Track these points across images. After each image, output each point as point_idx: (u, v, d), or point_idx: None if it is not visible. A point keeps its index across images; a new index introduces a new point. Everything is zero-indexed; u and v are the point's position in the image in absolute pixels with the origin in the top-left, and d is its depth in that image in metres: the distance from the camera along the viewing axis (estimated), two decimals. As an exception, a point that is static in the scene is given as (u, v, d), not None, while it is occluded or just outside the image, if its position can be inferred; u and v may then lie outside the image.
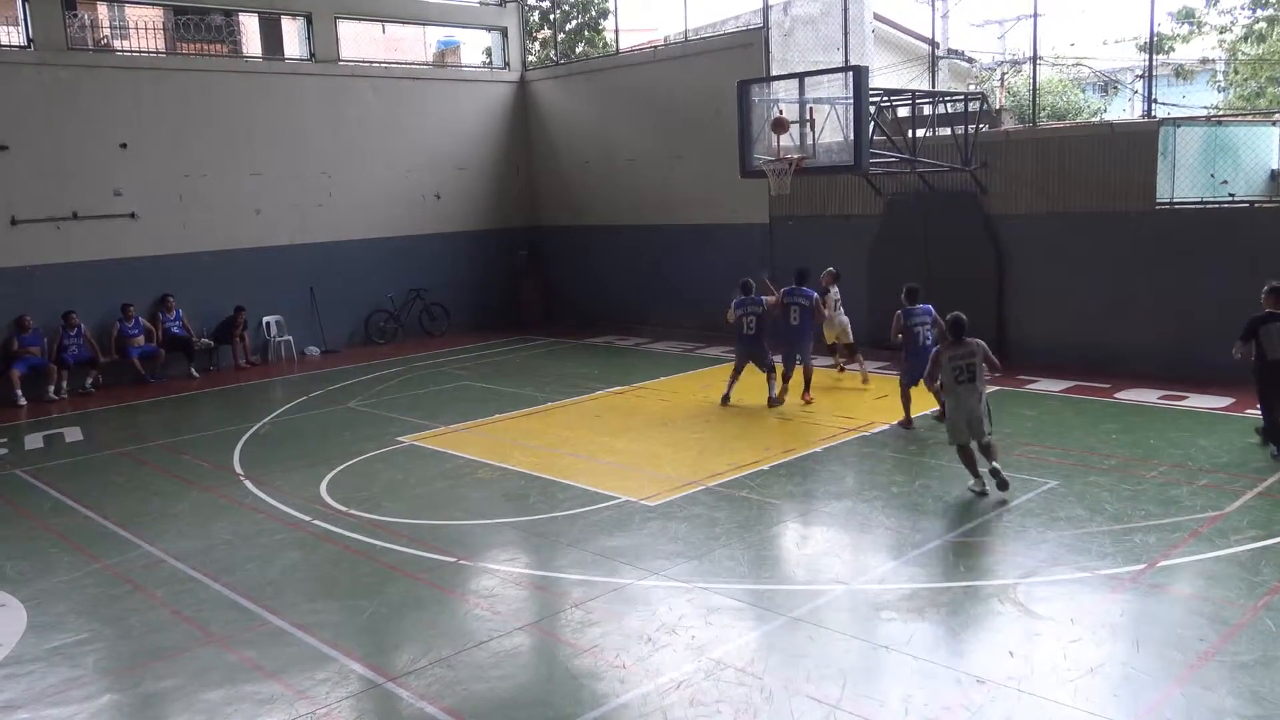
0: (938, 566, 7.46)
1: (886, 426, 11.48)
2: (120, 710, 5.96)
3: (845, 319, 14.32)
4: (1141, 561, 7.35)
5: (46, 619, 7.21)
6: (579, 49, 26.57)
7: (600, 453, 11.09)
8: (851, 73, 13.45)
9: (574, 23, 27.71)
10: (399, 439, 12.02)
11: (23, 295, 15.74)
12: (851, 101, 13.32)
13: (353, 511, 9.31)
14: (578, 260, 21.72)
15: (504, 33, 22.22)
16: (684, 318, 19.25)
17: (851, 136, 13.43)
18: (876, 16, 18.96)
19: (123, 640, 6.87)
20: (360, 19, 20.69)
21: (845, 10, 17.17)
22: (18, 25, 16.60)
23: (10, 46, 16.44)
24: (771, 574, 7.59)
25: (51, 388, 15.65)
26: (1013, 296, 15.09)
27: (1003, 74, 22.80)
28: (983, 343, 9.05)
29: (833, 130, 13.95)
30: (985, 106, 15.67)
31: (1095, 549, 7.62)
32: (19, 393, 15.27)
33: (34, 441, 12.99)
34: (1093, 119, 20.54)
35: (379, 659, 6.38)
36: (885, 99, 14.80)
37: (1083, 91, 25.72)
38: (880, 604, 6.85)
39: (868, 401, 12.80)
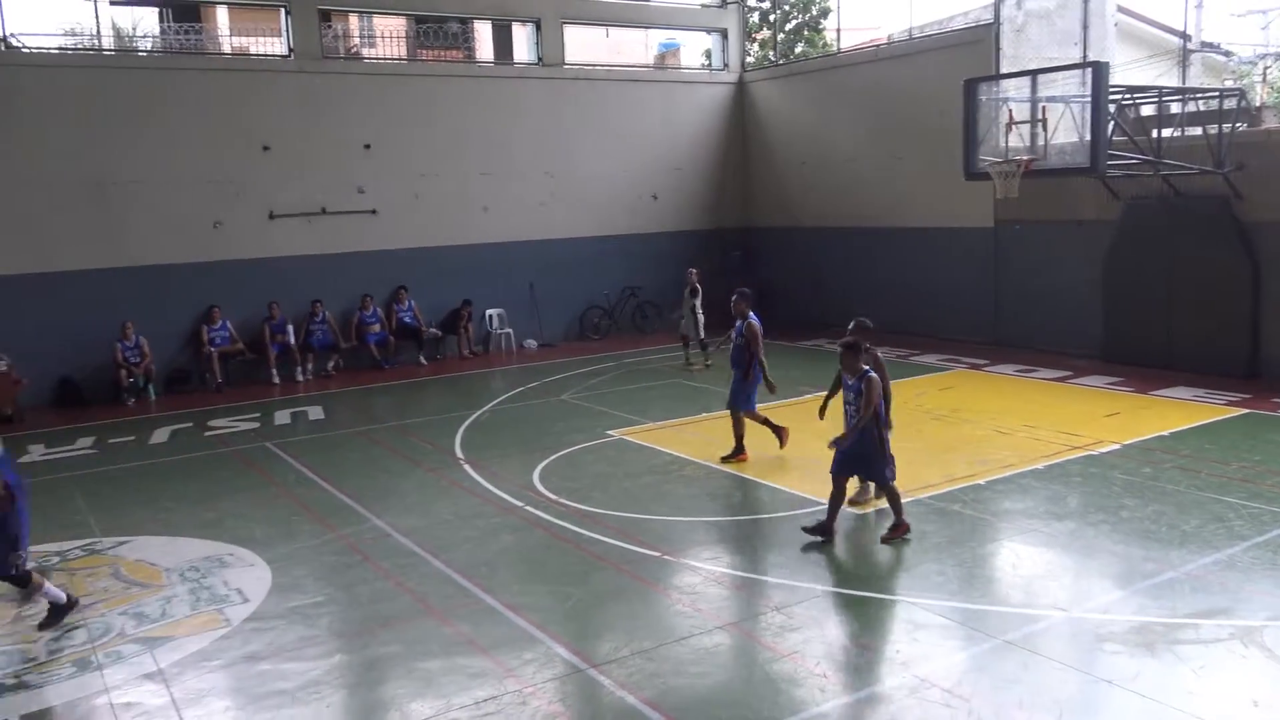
0: (1171, 599, 6.90)
1: (1116, 446, 10.73)
2: (349, 670, 6.41)
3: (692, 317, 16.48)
4: None
5: (287, 580, 7.86)
6: (798, 49, 26.36)
7: (807, 457, 10.94)
8: (1090, 69, 12.69)
9: (794, 22, 27.52)
10: (609, 433, 12.32)
11: (276, 284, 17.22)
12: (1089, 100, 12.57)
13: (562, 500, 9.62)
14: (791, 262, 21.54)
15: (724, 34, 22.32)
16: (900, 322, 18.71)
17: (1088, 137, 12.67)
18: (1120, 8, 17.78)
19: (353, 606, 7.39)
20: (586, 24, 21.33)
21: (1085, 2, 16.17)
22: (280, 37, 18.18)
23: (274, 56, 18.03)
24: (983, 594, 7.25)
25: (299, 369, 17.06)
26: (1270, 310, 13.75)
27: (1265, 68, 20.83)
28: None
29: (1066, 130, 13.21)
30: (1244, 104, 14.36)
31: (1360, 595, 6.84)
32: (274, 371, 16.77)
33: (282, 418, 14.19)
34: (1373, 116, 18.43)
35: (583, 645, 6.55)
36: (1128, 96, 13.84)
37: (1362, 86, 23.10)
38: (1104, 635, 6.42)
39: (1097, 419, 12.01)
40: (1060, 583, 7.52)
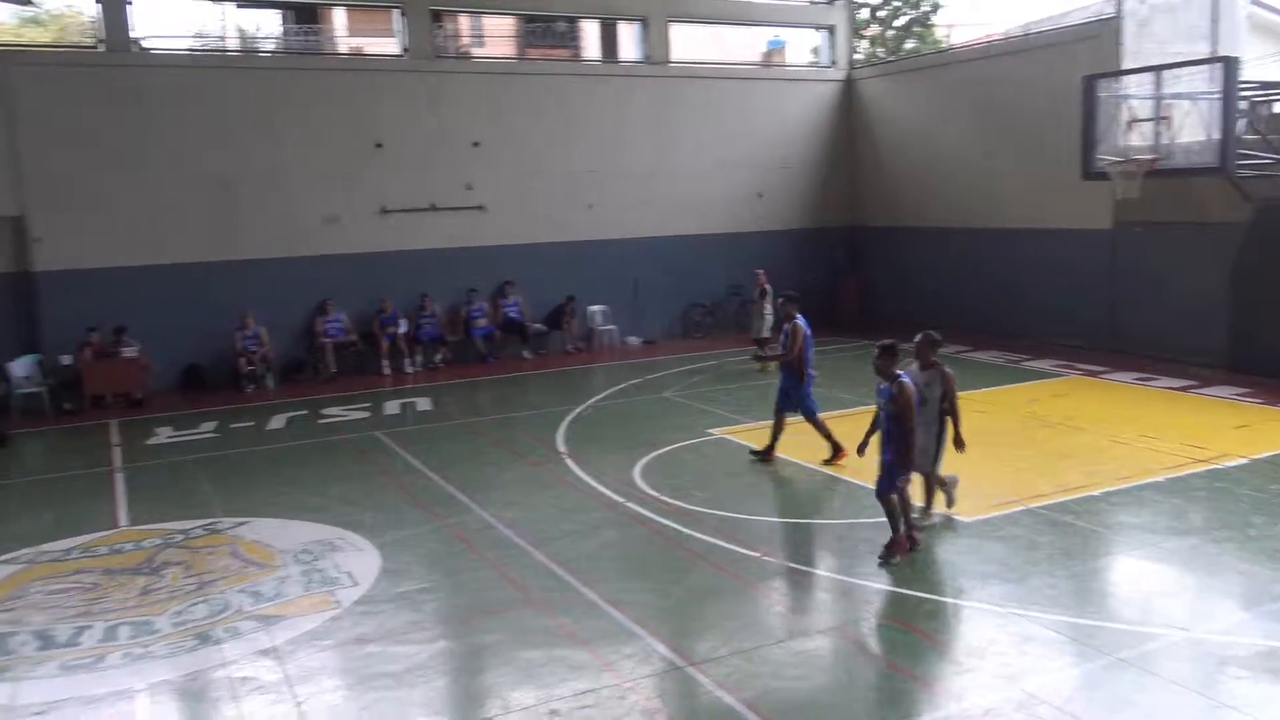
0: (1301, 623, 6.57)
1: (1244, 460, 10.24)
2: (453, 656, 6.56)
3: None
4: None
5: (396, 566, 8.07)
6: (908, 45, 25.87)
7: (910, 461, 10.73)
8: (1220, 64, 12.15)
9: (904, 18, 27.03)
10: (710, 431, 12.31)
11: (386, 277, 17.68)
12: (1218, 97, 12.05)
13: (663, 497, 9.65)
14: (896, 262, 21.16)
15: (831, 31, 22.03)
16: (1010, 326, 18.22)
17: (1216, 135, 12.15)
18: (1253, 0, 16.95)
19: (457, 593, 7.56)
20: (692, 22, 21.30)
21: (1216, -6, 15.46)
22: (394, 37, 18.66)
23: (388, 56, 18.52)
24: (1097, 609, 7.01)
25: (408, 361, 17.50)
26: None
27: None
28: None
29: (1193, 128, 12.70)
30: (1391, 100, 13.57)
31: None
32: (385, 362, 17.24)
33: (392, 408, 14.58)
34: None
35: (681, 642, 6.57)
36: (1260, 93, 13.20)
37: None
38: (1227, 658, 6.14)
39: (1223, 431, 11.48)
40: (1180, 601, 7.22)
